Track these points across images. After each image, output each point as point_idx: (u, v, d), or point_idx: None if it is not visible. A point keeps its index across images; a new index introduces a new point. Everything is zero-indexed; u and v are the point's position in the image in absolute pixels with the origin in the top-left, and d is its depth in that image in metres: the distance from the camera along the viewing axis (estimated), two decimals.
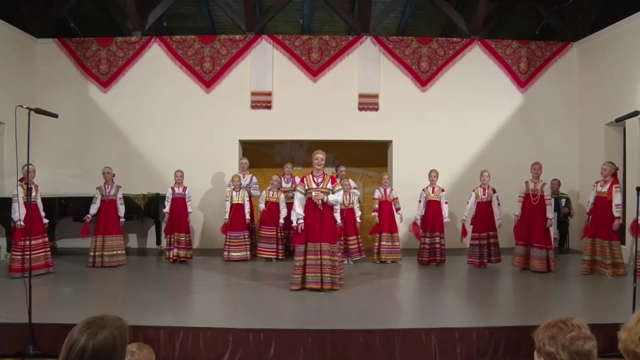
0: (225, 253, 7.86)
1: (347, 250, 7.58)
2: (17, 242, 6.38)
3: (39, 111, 4.48)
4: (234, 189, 7.97)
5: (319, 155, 5.86)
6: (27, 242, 6.23)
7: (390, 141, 9.63)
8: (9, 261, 6.60)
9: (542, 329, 1.71)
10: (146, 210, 8.51)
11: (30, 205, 5.90)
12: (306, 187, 5.87)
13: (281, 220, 7.80)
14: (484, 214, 7.37)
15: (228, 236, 7.86)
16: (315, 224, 5.75)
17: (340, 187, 5.97)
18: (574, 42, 9.62)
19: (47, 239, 6.79)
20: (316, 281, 5.68)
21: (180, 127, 9.36)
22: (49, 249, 6.78)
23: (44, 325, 4.18)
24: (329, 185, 5.83)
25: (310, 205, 5.85)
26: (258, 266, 7.58)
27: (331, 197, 5.77)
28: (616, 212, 6.65)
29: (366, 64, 9.46)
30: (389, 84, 9.48)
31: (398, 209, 7.80)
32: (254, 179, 8.55)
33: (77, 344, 1.48)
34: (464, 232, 7.54)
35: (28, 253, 6.17)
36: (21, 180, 6.21)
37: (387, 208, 7.78)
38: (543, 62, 9.66)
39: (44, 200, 6.97)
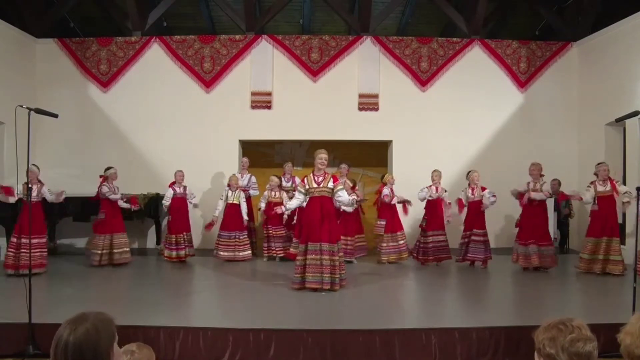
0: (215, 251, 7.86)
1: (345, 249, 7.57)
2: (12, 239, 6.52)
3: (39, 111, 4.48)
4: (229, 189, 7.95)
5: (323, 155, 5.85)
6: (20, 240, 6.32)
7: (390, 141, 9.63)
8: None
9: (542, 330, 1.69)
10: (146, 210, 8.51)
11: (30, 204, 5.89)
12: (307, 187, 5.87)
13: (286, 213, 7.53)
14: (473, 213, 7.38)
15: (219, 235, 7.86)
16: (316, 223, 5.73)
17: (342, 186, 5.95)
18: (574, 42, 9.62)
19: (43, 239, 6.79)
20: (316, 281, 5.66)
21: (180, 127, 9.35)
22: (45, 249, 6.79)
23: (44, 325, 4.18)
24: (330, 184, 5.81)
25: (311, 204, 5.85)
26: (258, 266, 7.59)
27: (343, 199, 5.83)
28: (625, 198, 6.62)
29: (366, 64, 9.46)
30: (389, 84, 9.48)
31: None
32: (253, 179, 8.55)
33: (61, 340, 1.55)
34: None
35: (21, 251, 6.27)
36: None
37: (391, 208, 7.78)
38: (543, 62, 9.66)
39: (43, 200, 6.95)
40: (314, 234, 5.71)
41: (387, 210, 7.76)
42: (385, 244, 7.67)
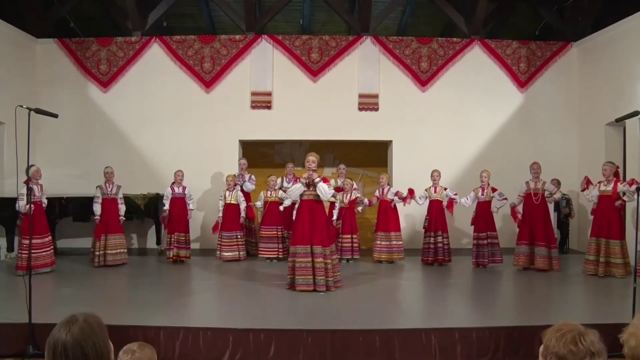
0: (218, 252, 7.87)
1: (341, 248, 7.59)
2: (24, 240, 6.47)
3: (39, 111, 4.48)
4: (227, 189, 7.98)
5: (310, 158, 5.81)
6: (31, 241, 6.30)
7: (390, 141, 9.63)
8: (16, 259, 6.67)
9: (552, 334, 1.59)
10: (146, 210, 8.51)
11: (31, 204, 5.90)
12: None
13: (282, 208, 7.66)
14: (483, 214, 7.38)
15: (220, 236, 7.87)
16: (305, 225, 5.71)
17: (319, 178, 5.73)
18: (574, 42, 9.62)
19: (48, 238, 6.79)
20: (307, 284, 5.62)
21: (180, 127, 9.35)
22: (51, 247, 6.79)
23: (44, 325, 4.17)
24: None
25: (300, 208, 5.86)
26: (257, 266, 7.58)
27: (320, 190, 5.67)
28: (626, 197, 6.51)
29: (366, 64, 9.46)
30: (389, 84, 9.48)
31: (393, 199, 7.77)
32: (253, 177, 8.55)
33: (58, 342, 1.57)
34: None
35: (33, 251, 6.25)
36: (26, 182, 6.21)
37: (385, 207, 7.79)
38: (543, 62, 9.66)
39: None
40: (303, 236, 5.69)
41: (381, 208, 7.80)
42: (379, 242, 7.72)
